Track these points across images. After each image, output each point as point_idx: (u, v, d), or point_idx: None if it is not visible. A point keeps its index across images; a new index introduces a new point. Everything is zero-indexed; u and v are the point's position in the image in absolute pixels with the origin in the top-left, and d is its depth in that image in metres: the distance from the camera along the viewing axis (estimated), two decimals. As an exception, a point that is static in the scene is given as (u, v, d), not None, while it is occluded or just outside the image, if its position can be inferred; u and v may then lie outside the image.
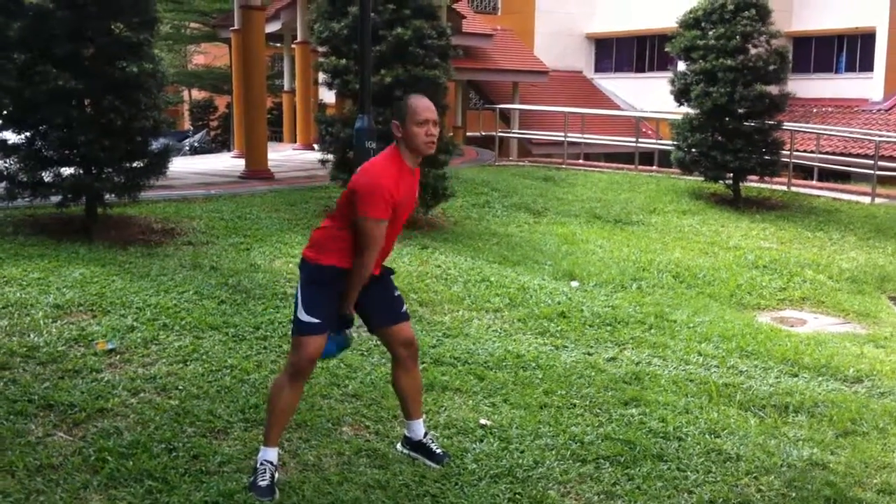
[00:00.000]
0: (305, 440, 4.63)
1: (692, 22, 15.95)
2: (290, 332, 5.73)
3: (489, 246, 10.58)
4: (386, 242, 4.10)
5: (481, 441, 4.78)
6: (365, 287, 4.12)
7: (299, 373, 4.06)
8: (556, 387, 5.72)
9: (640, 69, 33.64)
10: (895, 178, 18.34)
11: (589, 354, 6.58)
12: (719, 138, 15.54)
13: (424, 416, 4.69)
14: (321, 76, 11.86)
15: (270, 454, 4.05)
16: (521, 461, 4.55)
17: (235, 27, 18.63)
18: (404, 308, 4.38)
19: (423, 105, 4.06)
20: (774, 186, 16.98)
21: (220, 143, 31.77)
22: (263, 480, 3.96)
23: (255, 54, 14.80)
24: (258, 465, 4.03)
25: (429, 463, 4.42)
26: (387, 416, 5.02)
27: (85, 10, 8.75)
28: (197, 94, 38.66)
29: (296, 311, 4.09)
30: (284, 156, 19.69)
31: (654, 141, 22.29)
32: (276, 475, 4.06)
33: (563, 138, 21.04)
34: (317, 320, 4.02)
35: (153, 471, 4.10)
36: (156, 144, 9.64)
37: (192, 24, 32.99)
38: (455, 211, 12.68)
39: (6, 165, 8.97)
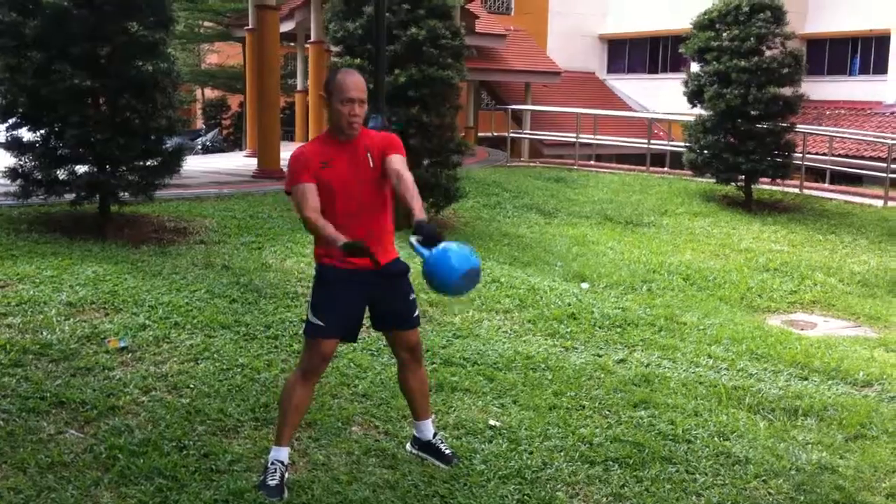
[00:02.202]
0: (315, 439, 4.65)
1: (706, 23, 15.94)
2: (300, 332, 5.78)
3: (500, 247, 10.59)
4: (353, 201, 3.96)
5: (490, 442, 4.79)
6: (377, 290, 4.11)
7: (310, 372, 4.08)
8: (566, 388, 5.73)
9: (653, 70, 33.58)
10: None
11: (598, 356, 6.59)
12: (732, 140, 15.52)
13: (433, 416, 4.70)
14: (334, 76, 11.87)
15: (282, 454, 4.07)
16: (529, 462, 4.56)
17: (249, 26, 18.71)
18: (416, 314, 4.31)
19: (350, 82, 3.94)
20: (786, 189, 16.94)
21: (232, 143, 31.85)
22: (273, 480, 3.98)
23: (269, 54, 14.84)
24: (269, 465, 4.05)
25: (438, 463, 4.43)
26: (396, 416, 5.03)
27: (102, 9, 8.81)
28: (210, 93, 38.76)
29: (307, 312, 4.13)
30: (297, 155, 19.71)
31: (665, 142, 22.25)
32: (287, 475, 4.08)
33: (574, 139, 21.03)
34: (321, 323, 4.03)
35: (164, 469, 4.13)
36: (170, 143, 9.70)
37: (206, 23, 33.06)
38: (466, 211, 12.70)
39: (21, 163, 9.03)
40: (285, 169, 4.07)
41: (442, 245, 3.72)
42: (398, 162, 4.01)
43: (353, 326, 4.19)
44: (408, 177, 3.94)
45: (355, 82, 3.96)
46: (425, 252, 3.71)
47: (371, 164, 4.03)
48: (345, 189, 3.99)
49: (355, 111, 3.95)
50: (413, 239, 3.75)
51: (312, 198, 3.90)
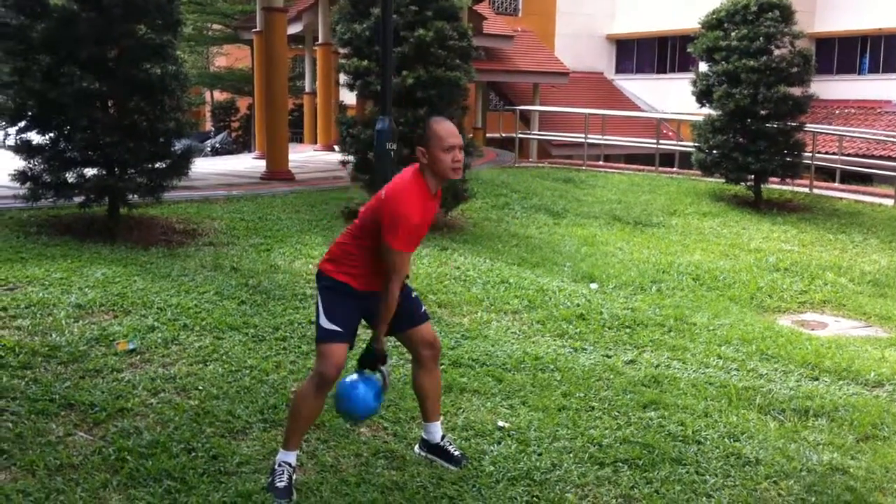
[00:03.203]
0: (323, 441, 4.65)
1: (715, 23, 15.89)
2: (309, 334, 5.78)
3: (508, 247, 10.58)
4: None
5: (499, 443, 4.78)
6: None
7: (324, 382, 4.04)
8: (575, 389, 5.71)
9: (661, 70, 33.55)
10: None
11: (608, 357, 6.57)
12: (741, 140, 15.47)
13: (442, 417, 4.69)
14: (343, 77, 11.89)
15: (290, 457, 4.06)
16: (538, 464, 4.55)
17: (257, 29, 18.74)
18: (423, 308, 4.37)
19: (447, 131, 4.00)
20: (796, 188, 16.88)
21: (241, 145, 31.93)
22: (281, 482, 3.97)
23: (277, 56, 14.86)
24: (276, 467, 4.04)
25: (446, 465, 4.42)
26: (405, 418, 5.03)
27: (109, 12, 8.82)
28: (219, 96, 38.86)
29: (317, 318, 4.08)
30: (305, 157, 19.78)
31: (674, 142, 22.22)
32: (295, 476, 4.07)
33: (583, 140, 21.00)
34: (338, 328, 4.02)
35: (172, 471, 4.13)
36: (178, 145, 9.71)
37: (215, 26, 33.15)
38: (474, 212, 12.68)
39: (31, 166, 9.06)
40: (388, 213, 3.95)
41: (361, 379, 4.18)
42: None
43: (355, 334, 4.22)
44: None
45: (451, 131, 4.02)
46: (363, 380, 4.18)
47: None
48: (420, 236, 4.11)
49: (458, 156, 4.01)
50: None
51: (407, 269, 4.06)
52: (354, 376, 4.16)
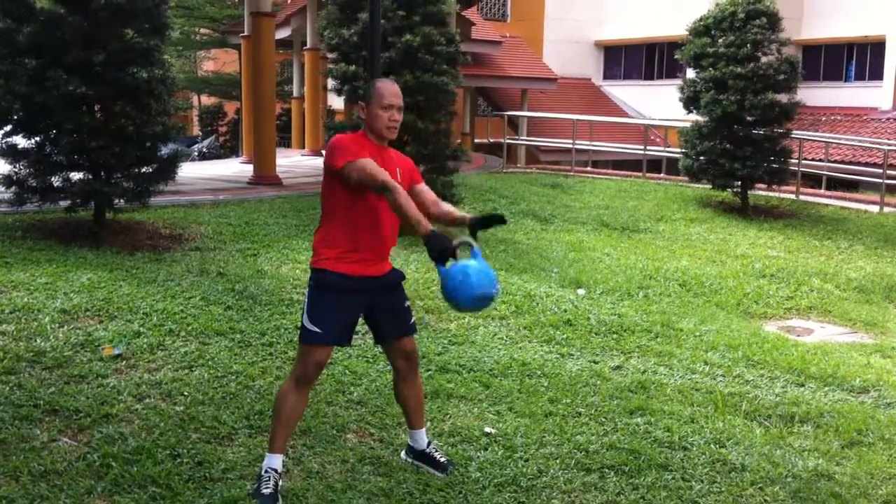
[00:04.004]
0: (310, 447, 4.64)
1: (702, 30, 15.96)
2: (295, 339, 5.76)
3: (496, 253, 10.58)
4: (382, 227, 4.07)
5: (486, 449, 4.78)
6: (376, 298, 4.15)
7: (304, 380, 4.06)
8: (562, 395, 5.71)
9: (649, 76, 33.67)
10: (904, 188, 18.29)
11: (595, 363, 6.58)
12: (728, 146, 15.53)
13: (428, 424, 4.68)
14: (330, 82, 11.88)
15: (275, 461, 4.05)
16: (525, 470, 4.55)
17: (245, 33, 18.71)
18: (412, 320, 4.33)
19: (389, 90, 4.10)
20: (782, 195, 16.96)
21: (228, 149, 31.86)
22: (267, 488, 3.96)
23: (265, 60, 14.84)
24: (262, 473, 4.03)
25: (433, 471, 4.41)
26: (391, 424, 5.02)
27: (96, 16, 8.80)
28: (206, 100, 38.79)
29: (302, 317, 4.10)
30: (293, 162, 19.74)
31: (662, 148, 22.28)
32: (280, 483, 4.06)
33: (571, 145, 21.05)
34: (319, 330, 4.01)
35: (157, 477, 4.10)
36: (165, 150, 9.68)
37: (202, 30, 33.10)
38: (462, 218, 12.68)
39: (16, 170, 9.01)
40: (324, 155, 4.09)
41: (476, 262, 3.90)
42: (430, 192, 4.27)
43: (348, 332, 4.19)
44: (444, 203, 4.23)
45: (393, 90, 4.13)
46: (464, 264, 3.85)
47: (398, 179, 4.09)
48: (381, 209, 4.06)
49: (395, 117, 4.09)
50: (468, 239, 3.96)
51: (384, 173, 3.94)
52: (449, 269, 3.81)
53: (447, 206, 4.21)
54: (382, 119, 4.06)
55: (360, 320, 4.27)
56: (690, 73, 16.66)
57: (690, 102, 16.06)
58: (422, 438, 4.49)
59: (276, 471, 4.03)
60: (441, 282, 3.88)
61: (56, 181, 9.08)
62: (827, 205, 16.74)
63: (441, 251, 3.81)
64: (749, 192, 15.90)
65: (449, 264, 3.85)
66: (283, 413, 4.05)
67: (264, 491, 3.95)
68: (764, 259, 12.10)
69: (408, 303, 4.34)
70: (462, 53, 11.96)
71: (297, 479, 4.27)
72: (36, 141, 9.09)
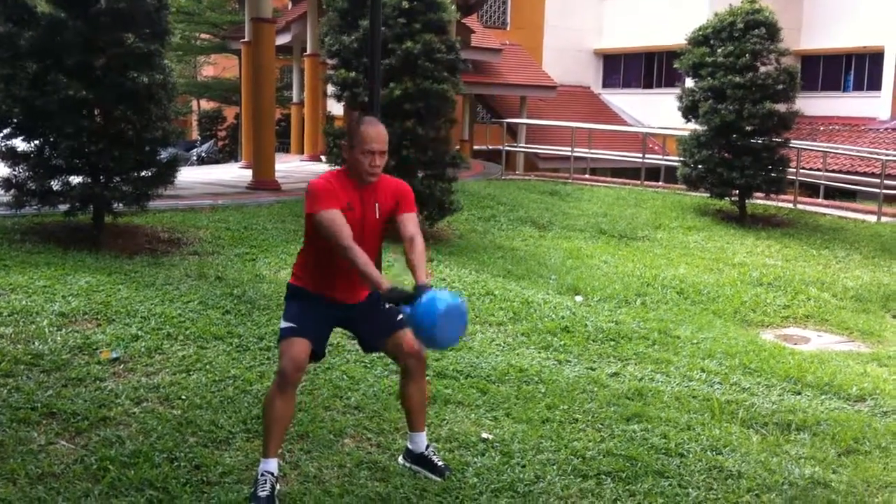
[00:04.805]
0: (307, 452, 4.64)
1: (701, 39, 15.99)
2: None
3: (494, 259, 10.60)
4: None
5: (483, 455, 4.78)
6: (354, 315, 4.26)
7: (285, 380, 4.04)
8: (559, 401, 5.72)
9: (648, 85, 33.73)
10: (902, 197, 18.33)
11: (592, 369, 6.59)
12: (726, 155, 15.56)
13: (427, 428, 4.69)
14: (330, 88, 11.91)
15: (270, 465, 4.06)
16: (522, 476, 4.55)
17: (246, 39, 18.74)
18: (400, 316, 4.34)
19: (372, 134, 4.04)
20: (780, 204, 16.99)
21: (227, 154, 31.86)
22: (263, 491, 3.96)
23: (265, 66, 14.86)
24: (259, 476, 4.03)
25: (430, 476, 4.42)
26: (389, 429, 5.02)
27: (97, 20, 8.81)
28: (206, 105, 38.81)
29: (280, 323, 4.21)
30: (292, 167, 19.77)
31: (660, 157, 22.33)
32: (278, 486, 4.06)
33: (569, 153, 21.09)
34: (291, 324, 4.10)
35: (154, 480, 4.11)
36: (164, 154, 9.69)
37: (203, 36, 33.13)
38: (460, 224, 12.70)
39: (15, 173, 9.01)
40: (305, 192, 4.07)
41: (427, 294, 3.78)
42: (412, 225, 4.17)
43: (321, 338, 4.22)
44: (419, 242, 4.11)
45: (378, 133, 4.05)
46: (409, 309, 3.77)
47: (377, 216, 4.15)
48: (365, 229, 4.12)
49: (376, 162, 4.05)
50: (406, 307, 3.81)
51: (348, 229, 3.97)
52: (409, 310, 3.77)
53: (416, 258, 4.03)
54: (363, 164, 4.04)
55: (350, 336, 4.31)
56: (689, 83, 16.69)
57: (689, 111, 16.10)
58: (421, 441, 4.49)
59: (271, 474, 4.03)
60: (413, 322, 3.78)
61: (55, 185, 9.08)
62: (825, 214, 16.76)
63: (401, 300, 3.84)
64: (747, 200, 15.93)
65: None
66: (270, 418, 4.06)
67: (261, 494, 3.96)
68: (761, 267, 12.12)
69: (389, 305, 4.28)
70: (462, 61, 11.99)
71: (294, 484, 4.28)
72: (35, 144, 9.10)
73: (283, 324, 4.14)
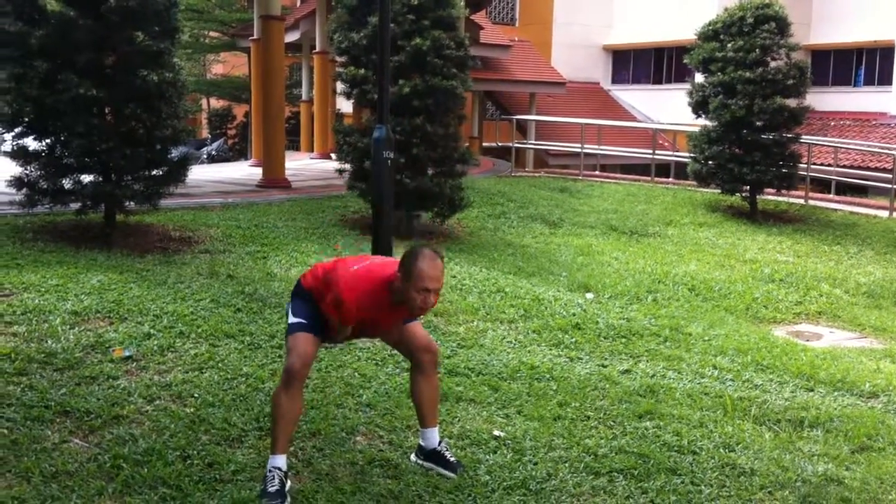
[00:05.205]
0: (319, 449, 4.65)
1: (711, 34, 15.94)
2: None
3: (504, 256, 10.59)
4: (370, 329, 4.25)
5: (495, 452, 4.78)
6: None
7: (292, 375, 4.06)
8: (571, 399, 5.71)
9: (658, 81, 33.64)
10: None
11: (603, 366, 6.58)
12: (737, 151, 15.51)
13: (439, 425, 4.69)
14: (339, 86, 11.92)
15: (279, 461, 4.07)
16: (534, 473, 4.55)
17: (255, 37, 18.76)
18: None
19: (429, 274, 3.94)
20: (791, 199, 16.92)
21: (237, 152, 31.91)
22: (273, 486, 3.98)
23: (275, 64, 14.88)
24: (267, 472, 4.06)
25: (443, 472, 4.42)
26: (400, 426, 5.03)
27: (107, 19, 8.82)
28: (215, 103, 38.86)
29: (286, 319, 4.25)
30: (302, 165, 19.78)
31: (670, 153, 22.27)
32: (288, 482, 4.07)
33: (579, 149, 21.05)
34: (301, 319, 4.13)
35: (168, 478, 4.12)
36: (175, 153, 9.71)
37: (212, 34, 33.16)
38: (471, 221, 12.70)
39: (27, 172, 9.05)
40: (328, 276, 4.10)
41: None
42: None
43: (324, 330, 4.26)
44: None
45: (433, 275, 3.96)
46: None
47: (385, 326, 4.28)
48: (381, 324, 4.22)
49: (429, 300, 3.99)
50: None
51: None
52: None
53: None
54: (415, 301, 3.96)
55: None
56: (699, 78, 16.63)
57: (699, 107, 16.05)
58: (433, 437, 4.50)
59: (280, 469, 4.04)
60: None
61: (67, 183, 9.11)
62: (836, 210, 16.70)
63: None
64: (758, 196, 15.88)
65: None
66: (278, 413, 4.08)
67: (270, 489, 3.97)
68: (773, 264, 12.08)
69: None
70: (471, 57, 11.98)
71: (306, 481, 4.28)
72: (47, 143, 9.13)
73: (292, 319, 4.15)
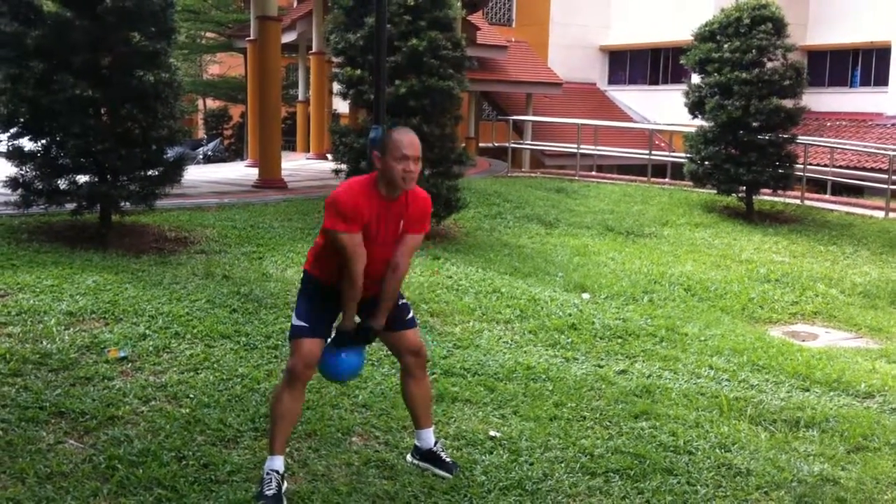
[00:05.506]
0: (315, 450, 4.64)
1: (707, 35, 15.95)
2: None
3: (500, 257, 10.59)
4: (371, 265, 4.07)
5: (491, 453, 4.78)
6: (362, 308, 4.22)
7: (294, 377, 4.07)
8: (566, 399, 5.71)
9: (654, 82, 33.65)
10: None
11: (599, 367, 6.58)
12: (733, 151, 15.53)
13: (434, 426, 4.69)
14: (336, 86, 11.91)
15: (276, 463, 4.07)
16: (530, 474, 4.55)
17: (251, 37, 18.76)
18: (410, 314, 4.41)
19: (405, 141, 4.02)
20: (787, 200, 16.95)
21: (233, 152, 31.88)
22: (270, 489, 3.97)
23: (271, 64, 14.87)
24: (264, 475, 4.05)
25: (438, 472, 4.42)
26: (396, 427, 5.02)
27: (104, 19, 8.81)
28: (211, 104, 38.84)
29: (292, 318, 4.22)
30: (298, 165, 19.77)
31: (667, 153, 22.27)
32: (284, 484, 4.06)
33: (575, 150, 21.05)
34: (304, 324, 4.11)
35: (163, 479, 4.11)
36: (171, 153, 9.70)
37: (208, 34, 33.15)
38: (467, 222, 12.70)
39: (22, 173, 9.03)
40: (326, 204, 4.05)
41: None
42: (407, 249, 4.20)
43: (330, 326, 4.26)
44: (399, 274, 4.17)
45: (409, 141, 4.04)
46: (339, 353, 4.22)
47: (399, 230, 4.16)
48: (373, 251, 4.08)
49: (410, 167, 4.01)
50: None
51: (363, 255, 4.01)
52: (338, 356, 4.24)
53: (385, 292, 4.17)
54: (397, 170, 3.99)
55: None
56: (695, 79, 16.65)
57: (695, 107, 16.07)
58: (429, 438, 4.50)
59: (277, 472, 4.04)
60: (327, 360, 4.22)
61: (62, 184, 9.10)
62: (832, 210, 16.72)
63: (343, 342, 4.20)
64: (754, 197, 15.90)
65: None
66: (278, 414, 4.08)
67: (267, 492, 3.97)
68: (769, 264, 12.09)
69: (403, 300, 4.40)
70: (468, 58, 11.98)
71: (302, 482, 4.28)
72: (42, 143, 9.11)
73: (296, 321, 4.13)
